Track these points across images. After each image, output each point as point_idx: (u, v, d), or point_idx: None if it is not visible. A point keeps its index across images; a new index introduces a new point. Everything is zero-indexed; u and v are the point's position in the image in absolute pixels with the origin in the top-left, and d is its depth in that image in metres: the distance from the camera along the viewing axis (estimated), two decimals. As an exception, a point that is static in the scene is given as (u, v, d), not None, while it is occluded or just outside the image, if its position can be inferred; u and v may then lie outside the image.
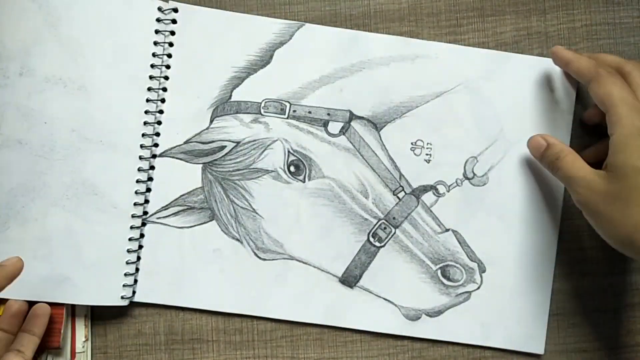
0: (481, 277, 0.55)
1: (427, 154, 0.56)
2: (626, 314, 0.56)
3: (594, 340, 0.56)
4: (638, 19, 0.57)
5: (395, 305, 0.55)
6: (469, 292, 0.55)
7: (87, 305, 0.55)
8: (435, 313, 0.55)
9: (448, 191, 0.56)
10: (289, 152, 0.55)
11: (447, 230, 0.55)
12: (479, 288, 0.55)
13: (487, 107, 0.56)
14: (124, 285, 0.54)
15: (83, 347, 0.55)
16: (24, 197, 0.53)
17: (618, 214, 0.46)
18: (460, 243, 0.55)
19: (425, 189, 0.55)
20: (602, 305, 0.56)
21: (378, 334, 0.56)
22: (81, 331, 0.55)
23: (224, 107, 0.55)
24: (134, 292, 0.55)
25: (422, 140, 0.56)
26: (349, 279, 0.55)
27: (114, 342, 0.56)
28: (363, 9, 0.57)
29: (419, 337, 0.55)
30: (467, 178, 0.56)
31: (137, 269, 0.55)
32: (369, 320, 0.55)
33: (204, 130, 0.55)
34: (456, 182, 0.56)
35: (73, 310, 0.55)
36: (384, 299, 0.55)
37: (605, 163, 0.48)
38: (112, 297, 0.54)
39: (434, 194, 0.55)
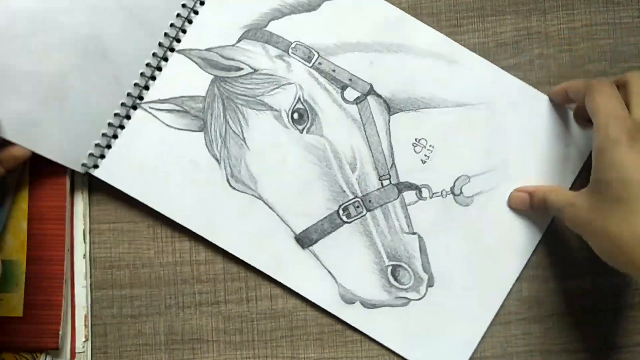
0: (426, 290, 0.55)
1: (425, 155, 0.55)
2: (625, 314, 0.57)
3: (594, 340, 0.57)
4: (638, 19, 0.58)
5: (336, 281, 0.55)
6: (409, 300, 0.55)
7: (87, 306, 0.55)
8: (370, 305, 0.55)
9: (430, 198, 0.55)
10: (299, 99, 0.55)
11: (414, 233, 0.55)
12: (419, 299, 0.55)
13: (501, 134, 0.55)
14: (89, 154, 0.53)
15: (83, 347, 0.55)
16: (28, 26, 0.50)
17: (600, 227, 0.45)
18: (420, 250, 0.55)
19: (410, 186, 0.55)
20: (602, 305, 0.57)
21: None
22: (81, 331, 0.55)
23: (255, 32, 0.55)
24: (96, 166, 0.54)
25: (426, 140, 0.55)
26: (304, 240, 0.55)
27: (114, 342, 0.56)
28: (364, 9, 0.57)
29: (343, 320, 0.55)
30: (453, 193, 0.55)
31: (109, 146, 0.54)
32: (306, 285, 0.55)
33: (229, 45, 0.55)
34: (441, 192, 0.55)
35: (73, 310, 0.54)
36: (328, 271, 0.55)
37: None
38: (74, 160, 0.53)
39: (416, 194, 0.55)
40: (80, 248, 0.55)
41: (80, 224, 0.55)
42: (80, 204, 0.55)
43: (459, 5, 0.57)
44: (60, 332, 0.53)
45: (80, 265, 0.55)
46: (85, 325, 0.55)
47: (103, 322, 0.56)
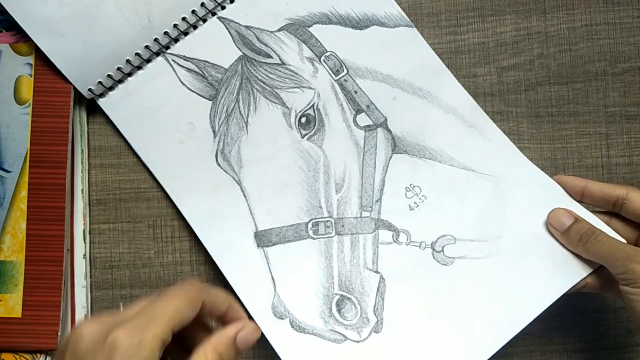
0: (369, 334, 0.51)
1: (415, 202, 0.54)
2: (626, 314, 0.56)
3: (594, 340, 0.56)
4: (638, 19, 0.58)
5: (275, 290, 0.52)
6: (345, 338, 0.51)
7: (87, 306, 0.55)
8: (298, 327, 0.51)
9: (407, 244, 0.53)
10: (313, 105, 0.54)
11: (377, 272, 0.53)
12: (357, 342, 0.51)
13: (500, 210, 0.53)
14: (98, 82, 0.53)
15: None
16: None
17: None
18: (378, 290, 0.52)
19: (389, 227, 0.54)
20: (602, 305, 0.56)
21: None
22: None
23: (297, 28, 0.55)
24: (101, 95, 0.54)
25: (420, 188, 0.54)
26: (263, 239, 0.53)
27: None
28: (365, 8, 0.57)
29: (263, 333, 0.50)
30: (433, 248, 0.53)
31: (120, 81, 0.54)
32: (244, 282, 0.52)
33: (268, 31, 0.55)
34: (420, 244, 0.53)
35: (73, 310, 0.55)
36: (272, 277, 0.52)
37: None
38: (82, 82, 0.53)
39: (393, 236, 0.53)
40: (80, 248, 0.55)
41: (80, 224, 0.55)
42: (80, 203, 0.55)
43: (459, 5, 0.57)
44: (59, 333, 0.53)
45: (80, 265, 0.55)
46: (85, 325, 0.54)
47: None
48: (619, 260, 0.47)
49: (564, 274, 0.51)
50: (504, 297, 0.51)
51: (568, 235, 0.51)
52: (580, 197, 0.52)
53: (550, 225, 0.52)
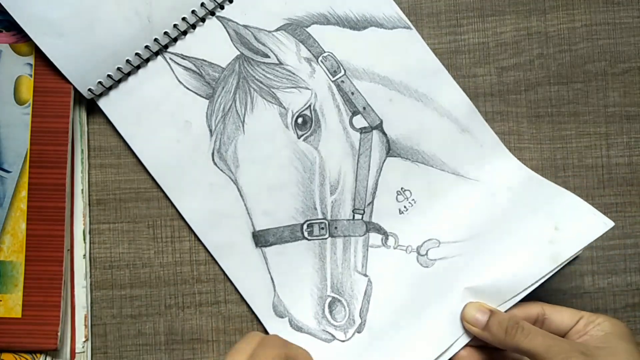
0: (353, 335, 0.54)
1: (405, 206, 0.55)
2: (626, 314, 0.57)
3: None
4: (638, 19, 0.58)
5: (275, 290, 0.54)
6: (333, 338, 0.54)
7: (87, 306, 0.55)
8: (297, 327, 0.54)
9: (394, 248, 0.55)
10: (309, 106, 0.55)
11: (366, 275, 0.54)
12: (343, 342, 0.54)
13: (489, 215, 0.54)
14: (98, 82, 0.54)
15: (83, 347, 0.55)
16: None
17: None
18: (365, 294, 0.54)
19: (379, 229, 0.55)
20: (602, 305, 0.56)
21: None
22: (81, 331, 0.55)
23: (295, 28, 0.55)
24: (100, 95, 0.55)
25: (410, 192, 0.55)
26: (260, 238, 0.54)
27: (114, 342, 0.56)
28: (365, 8, 0.57)
29: (262, 331, 0.54)
30: (418, 252, 0.54)
31: (120, 81, 0.55)
32: (246, 282, 0.54)
33: (265, 30, 0.55)
34: (407, 248, 0.55)
35: (72, 310, 0.55)
36: (271, 277, 0.54)
37: None
38: (82, 82, 0.54)
39: (382, 240, 0.55)
40: (80, 248, 0.55)
41: (80, 224, 0.55)
42: (80, 203, 0.55)
43: (459, 5, 0.57)
44: (59, 333, 0.53)
45: (80, 265, 0.55)
46: (85, 325, 0.55)
47: (103, 322, 0.56)
48: (557, 356, 0.44)
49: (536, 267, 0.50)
50: (478, 294, 0.50)
51: (490, 330, 0.47)
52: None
53: (467, 323, 0.48)
